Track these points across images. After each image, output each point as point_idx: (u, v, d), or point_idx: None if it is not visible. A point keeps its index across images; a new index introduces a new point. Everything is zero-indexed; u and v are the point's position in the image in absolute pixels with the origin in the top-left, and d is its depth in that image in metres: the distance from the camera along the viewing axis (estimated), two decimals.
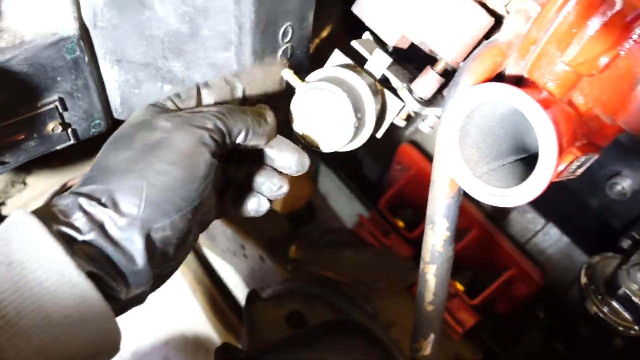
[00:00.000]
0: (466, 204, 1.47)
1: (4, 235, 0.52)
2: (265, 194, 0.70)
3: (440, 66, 0.71)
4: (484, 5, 0.69)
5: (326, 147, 0.69)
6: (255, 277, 1.60)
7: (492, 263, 1.46)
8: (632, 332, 0.91)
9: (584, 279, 0.96)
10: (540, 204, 1.46)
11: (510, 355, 1.55)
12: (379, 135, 0.75)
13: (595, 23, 0.55)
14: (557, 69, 0.60)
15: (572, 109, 0.67)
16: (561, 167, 0.62)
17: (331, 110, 0.66)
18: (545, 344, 1.44)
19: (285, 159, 0.66)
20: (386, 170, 1.69)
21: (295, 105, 0.68)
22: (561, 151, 0.58)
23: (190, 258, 2.01)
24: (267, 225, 1.52)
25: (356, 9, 0.79)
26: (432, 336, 0.81)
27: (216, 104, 0.66)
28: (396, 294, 1.40)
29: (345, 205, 1.94)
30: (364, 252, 1.42)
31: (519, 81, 0.65)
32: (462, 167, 0.64)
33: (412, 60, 0.79)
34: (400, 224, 1.56)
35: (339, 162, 1.91)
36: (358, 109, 0.66)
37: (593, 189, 1.19)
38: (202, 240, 2.15)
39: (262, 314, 1.17)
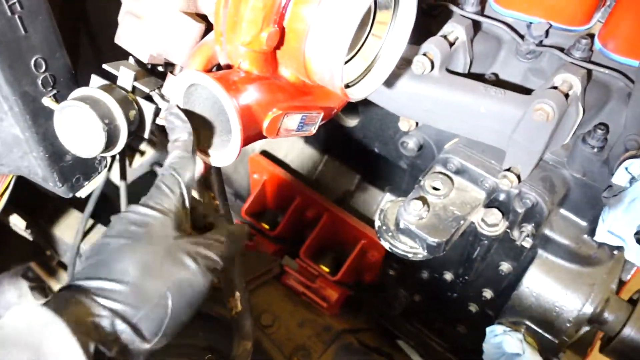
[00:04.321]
0: (315, 196, 1.64)
1: (35, 335, 0.56)
2: None
3: (177, 70, 0.88)
4: (198, 14, 0.86)
5: (92, 152, 0.83)
6: None
7: (348, 241, 1.63)
8: (420, 255, 1.08)
9: (377, 222, 1.13)
10: (375, 180, 1.66)
11: (389, 318, 1.71)
12: (145, 135, 0.90)
13: (244, 11, 0.73)
14: (240, 51, 0.77)
15: (280, 80, 0.85)
16: (266, 124, 0.78)
17: (83, 121, 0.80)
18: (409, 298, 1.61)
19: None
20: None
21: (56, 125, 0.82)
22: (249, 114, 0.75)
23: None
24: None
25: (117, 39, 0.95)
26: (237, 293, 0.95)
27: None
28: (266, 286, 1.53)
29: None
30: None
31: (228, 68, 0.82)
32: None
33: None
34: (265, 226, 1.71)
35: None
36: (105, 116, 0.80)
37: (398, 153, 1.38)
38: None
39: None
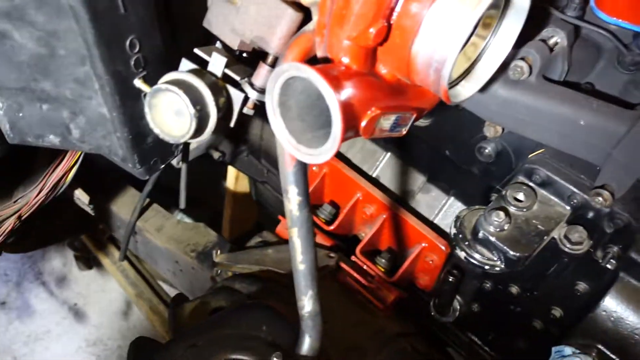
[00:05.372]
0: (376, 193, 1.60)
1: None
2: None
3: (269, 59, 0.85)
4: (297, 3, 0.83)
5: (180, 138, 0.81)
6: (195, 289, 1.69)
7: (407, 243, 1.58)
8: (497, 268, 1.04)
9: (453, 230, 1.09)
10: (440, 182, 1.60)
11: (441, 325, 1.66)
12: (232, 124, 0.88)
13: (355, 4, 0.69)
14: (344, 45, 0.74)
15: (378, 78, 0.81)
16: (364, 124, 0.75)
17: (174, 106, 0.78)
18: (466, 307, 1.56)
19: None
20: None
21: (147, 106, 0.80)
22: (350, 111, 0.72)
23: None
24: (195, 237, 1.62)
25: (205, 23, 0.93)
26: (310, 292, 0.93)
27: None
28: (321, 282, 1.50)
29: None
30: (284, 248, 1.53)
31: (326, 61, 0.79)
32: (286, 136, 0.76)
33: None
34: (322, 219, 1.68)
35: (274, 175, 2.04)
36: (197, 102, 0.78)
37: (471, 158, 1.33)
38: (150, 269, 2.24)
39: (188, 313, 1.26)
